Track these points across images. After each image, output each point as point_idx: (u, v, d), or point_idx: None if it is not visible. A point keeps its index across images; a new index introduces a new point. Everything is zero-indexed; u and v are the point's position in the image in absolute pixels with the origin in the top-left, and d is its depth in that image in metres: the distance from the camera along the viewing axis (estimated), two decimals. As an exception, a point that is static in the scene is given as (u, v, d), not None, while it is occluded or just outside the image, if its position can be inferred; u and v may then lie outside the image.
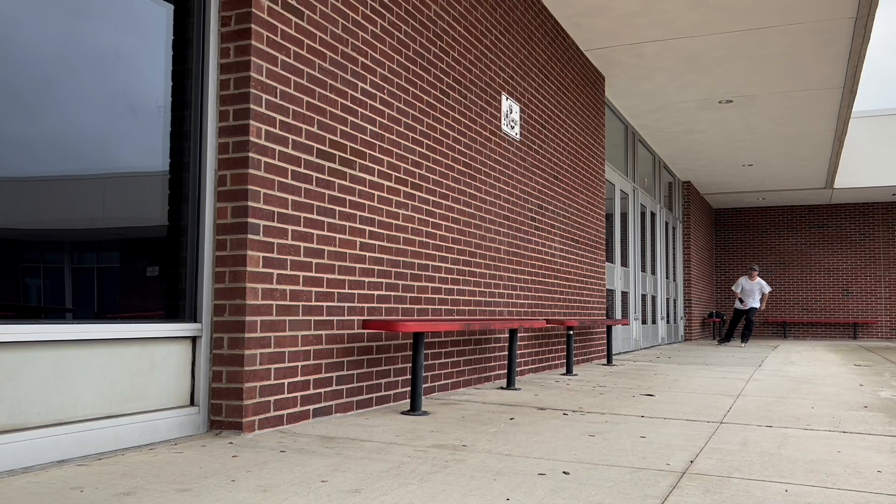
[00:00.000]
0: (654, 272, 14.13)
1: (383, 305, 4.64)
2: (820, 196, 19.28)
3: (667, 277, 15.32)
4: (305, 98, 3.97)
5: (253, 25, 3.61)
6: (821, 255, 20.66)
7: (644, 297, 13.20)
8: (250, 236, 3.55)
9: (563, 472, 2.82)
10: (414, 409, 4.30)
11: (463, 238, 5.69)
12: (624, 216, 11.90)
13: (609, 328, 8.77)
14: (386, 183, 4.70)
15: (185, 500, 2.35)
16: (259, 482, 2.60)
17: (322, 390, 4.05)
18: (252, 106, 3.60)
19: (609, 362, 8.79)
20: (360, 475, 2.73)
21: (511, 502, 2.38)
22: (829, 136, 13.11)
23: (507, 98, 6.58)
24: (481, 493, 2.48)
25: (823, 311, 20.55)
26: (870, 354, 11.76)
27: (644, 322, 13.20)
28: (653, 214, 14.15)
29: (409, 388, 4.91)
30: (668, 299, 15.39)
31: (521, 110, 6.93)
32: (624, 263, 11.78)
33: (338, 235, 4.21)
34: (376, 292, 4.57)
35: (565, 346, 7.91)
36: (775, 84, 10.27)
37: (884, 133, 16.36)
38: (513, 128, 6.67)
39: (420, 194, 5.08)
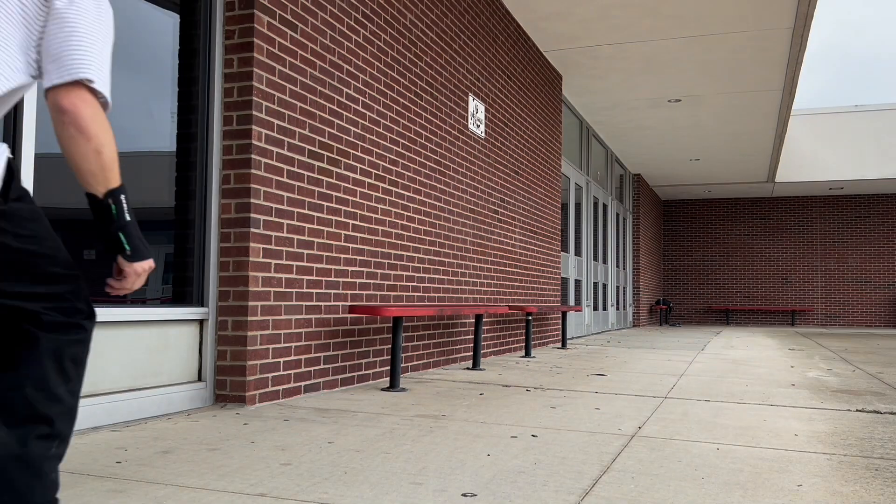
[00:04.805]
0: (605, 261, 14.77)
1: (364, 292, 5.08)
2: (762, 189, 20.21)
3: (617, 266, 15.99)
4: (299, 104, 4.37)
5: (255, 39, 4.00)
6: (762, 245, 21.64)
7: (596, 284, 13.83)
8: (252, 230, 3.96)
9: (532, 435, 3.32)
10: (393, 385, 4.76)
11: (433, 230, 6.14)
12: (578, 207, 12.47)
13: (564, 314, 9.33)
14: (367, 180, 5.12)
15: (217, 457, 2.77)
16: (275, 443, 3.03)
17: (312, 368, 4.48)
18: (254, 112, 3.99)
19: (564, 346, 9.35)
20: (360, 438, 3.18)
21: (492, 457, 2.86)
22: (771, 134, 13.89)
23: (473, 99, 7.04)
24: (466, 450, 2.96)
25: (764, 298, 21.56)
26: (804, 339, 12.57)
27: (595, 308, 13.84)
28: (605, 206, 14.78)
29: (387, 368, 5.36)
30: (618, 287, 16.08)
31: (486, 109, 7.39)
32: (577, 253, 12.36)
33: (325, 228, 4.63)
34: (358, 280, 5.01)
35: (524, 331, 8.43)
36: (721, 85, 10.93)
37: (821, 131, 17.28)
38: (478, 126, 7.14)
39: (396, 190, 5.51)
